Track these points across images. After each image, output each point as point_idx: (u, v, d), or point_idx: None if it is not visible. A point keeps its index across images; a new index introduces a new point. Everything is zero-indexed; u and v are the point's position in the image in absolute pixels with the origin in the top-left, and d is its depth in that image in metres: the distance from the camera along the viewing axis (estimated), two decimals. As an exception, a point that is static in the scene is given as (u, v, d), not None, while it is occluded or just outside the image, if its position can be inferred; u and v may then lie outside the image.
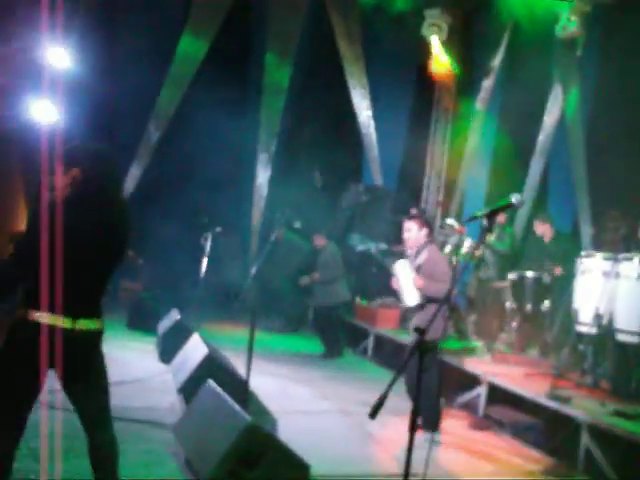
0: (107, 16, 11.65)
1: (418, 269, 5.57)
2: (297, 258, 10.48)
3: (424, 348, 2.71)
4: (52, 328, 2.92)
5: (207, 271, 8.48)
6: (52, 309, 2.91)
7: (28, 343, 2.90)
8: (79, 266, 3.00)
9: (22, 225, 13.82)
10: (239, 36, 13.03)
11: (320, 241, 9.24)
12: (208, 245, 8.47)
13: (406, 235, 5.70)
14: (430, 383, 5.33)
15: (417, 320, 5.60)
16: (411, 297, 5.59)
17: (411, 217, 5.82)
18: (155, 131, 11.48)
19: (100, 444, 3.30)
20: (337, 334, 9.11)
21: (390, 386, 2.66)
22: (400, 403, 5.92)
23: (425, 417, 5.43)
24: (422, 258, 5.61)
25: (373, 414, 2.58)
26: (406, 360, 2.90)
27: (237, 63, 13.28)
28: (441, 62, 11.53)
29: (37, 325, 2.90)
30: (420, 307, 5.58)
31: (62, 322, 2.95)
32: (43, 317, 2.91)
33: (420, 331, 2.71)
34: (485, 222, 2.90)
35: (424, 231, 5.67)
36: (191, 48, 11.68)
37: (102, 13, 11.45)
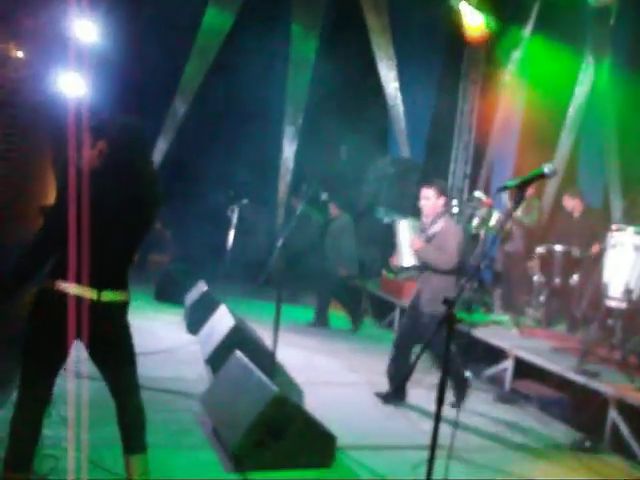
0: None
1: (430, 238, 5.54)
2: (309, 230, 10.42)
3: (453, 321, 2.69)
4: (78, 299, 2.95)
5: (234, 243, 8.51)
6: (78, 280, 2.94)
7: (54, 312, 2.94)
8: (105, 238, 3.01)
9: (52, 198, 13.95)
10: (264, 8, 12.92)
11: (333, 210, 9.24)
12: (235, 217, 8.48)
13: (423, 202, 5.66)
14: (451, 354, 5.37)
15: (422, 288, 5.59)
16: (406, 258, 5.60)
17: (429, 184, 5.74)
18: (181, 105, 11.46)
19: (128, 411, 3.38)
20: (327, 305, 9.05)
21: (416, 360, 2.66)
22: (427, 376, 5.97)
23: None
24: (436, 228, 5.57)
25: (400, 387, 2.57)
26: (434, 333, 2.88)
27: (262, 35, 13.18)
28: (474, 25, 11.36)
29: (63, 295, 2.93)
30: (416, 270, 5.61)
31: (88, 293, 2.98)
32: (69, 288, 2.94)
33: (448, 303, 2.69)
34: (515, 193, 2.86)
35: (441, 200, 5.62)
36: (216, 20, 11.61)
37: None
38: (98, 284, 3.00)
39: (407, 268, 5.67)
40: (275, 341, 4.92)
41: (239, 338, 5.74)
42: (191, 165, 11.41)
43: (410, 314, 5.73)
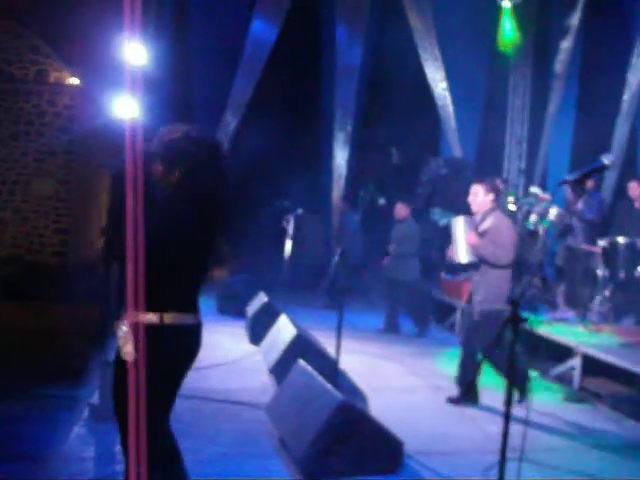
0: (177, 8, 11.88)
1: (482, 235, 5.48)
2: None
3: (518, 320, 2.65)
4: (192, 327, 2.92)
5: (291, 253, 8.58)
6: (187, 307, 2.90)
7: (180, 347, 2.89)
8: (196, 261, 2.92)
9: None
10: (309, 16, 13.02)
11: (403, 212, 8.86)
12: (290, 227, 8.56)
13: (471, 198, 5.65)
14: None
15: (477, 286, 5.55)
16: (462, 254, 5.55)
17: (478, 181, 5.71)
18: (232, 119, 11.66)
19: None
20: (396, 311, 8.95)
21: (482, 361, 2.63)
22: (489, 378, 5.88)
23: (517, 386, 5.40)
24: (487, 224, 5.52)
25: (467, 391, 2.55)
26: (498, 334, 2.85)
27: (308, 45, 13.28)
28: (508, 34, 11.27)
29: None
30: (473, 267, 5.56)
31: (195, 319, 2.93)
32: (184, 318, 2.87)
33: (515, 303, 2.65)
34: (575, 187, 2.81)
35: (490, 196, 5.58)
36: (261, 33, 11.77)
37: (172, 6, 11.70)
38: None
39: (465, 264, 5.64)
40: (338, 348, 4.93)
41: (301, 347, 5.79)
42: (245, 178, 11.57)
43: (469, 314, 5.71)
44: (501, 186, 9.89)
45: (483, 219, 5.56)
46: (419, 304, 9.03)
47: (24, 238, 12.85)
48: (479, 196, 5.58)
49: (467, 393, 2.28)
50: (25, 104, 12.75)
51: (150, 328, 2.73)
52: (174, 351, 2.85)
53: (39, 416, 5.41)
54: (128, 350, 2.75)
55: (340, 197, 12.34)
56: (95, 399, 4.84)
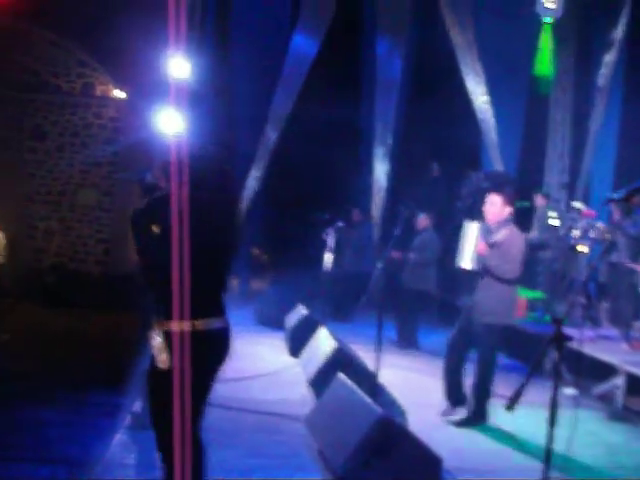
0: (220, 25, 12.08)
1: (493, 246, 5.41)
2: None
3: (562, 339, 2.63)
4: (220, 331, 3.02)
5: (331, 265, 8.60)
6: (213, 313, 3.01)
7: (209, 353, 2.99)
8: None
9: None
10: (349, 30, 13.12)
11: (424, 222, 8.90)
12: (331, 240, 8.59)
13: (487, 207, 5.54)
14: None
15: (479, 297, 5.46)
16: (467, 260, 5.47)
17: (499, 191, 5.63)
18: (272, 133, 11.76)
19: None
20: (414, 324, 8.82)
21: (528, 378, 2.61)
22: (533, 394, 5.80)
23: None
24: (500, 236, 5.42)
25: (510, 406, 2.54)
26: (542, 351, 2.83)
27: (349, 57, 13.37)
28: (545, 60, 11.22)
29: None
30: (477, 280, 5.46)
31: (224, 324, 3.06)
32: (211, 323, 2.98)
33: (558, 321, 2.63)
34: (621, 204, 2.79)
35: (508, 209, 5.49)
36: (302, 47, 11.88)
37: (215, 22, 11.90)
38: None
39: (467, 271, 5.56)
40: (378, 362, 4.94)
41: (341, 360, 5.80)
42: (285, 190, 11.67)
43: (463, 319, 5.62)
44: (544, 201, 9.81)
45: (497, 230, 5.47)
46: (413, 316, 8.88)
47: (69, 247, 13.14)
48: (496, 206, 5.47)
49: (510, 408, 2.27)
50: (72, 116, 13.06)
51: (183, 335, 2.80)
52: (205, 356, 2.92)
53: (82, 422, 5.53)
54: (163, 359, 2.86)
55: (380, 211, 12.36)
56: (137, 407, 4.91)
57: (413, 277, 8.74)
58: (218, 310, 3.07)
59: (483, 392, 5.46)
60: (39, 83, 13.01)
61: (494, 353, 5.50)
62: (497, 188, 5.77)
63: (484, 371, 5.44)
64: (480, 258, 5.40)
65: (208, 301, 3.03)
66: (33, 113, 13.05)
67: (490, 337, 5.39)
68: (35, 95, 12.95)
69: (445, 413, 5.67)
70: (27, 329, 9.85)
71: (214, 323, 2.99)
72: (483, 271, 5.42)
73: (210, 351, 3.00)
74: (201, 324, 2.91)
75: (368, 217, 10.29)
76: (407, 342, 8.73)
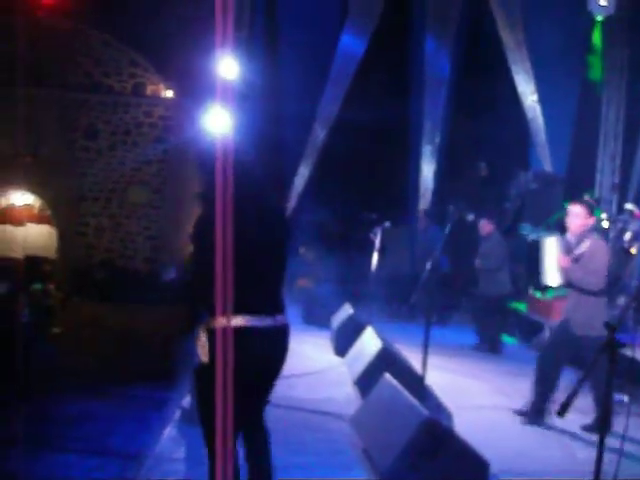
0: (268, 25, 12.17)
1: (578, 258, 5.32)
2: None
3: (615, 346, 2.59)
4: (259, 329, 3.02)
5: (377, 265, 8.59)
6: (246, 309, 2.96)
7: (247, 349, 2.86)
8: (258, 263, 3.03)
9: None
10: (397, 29, 13.06)
11: (487, 227, 8.81)
12: (377, 240, 8.58)
13: (570, 219, 5.45)
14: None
15: (572, 309, 5.39)
16: (552, 276, 5.41)
17: (579, 202, 5.53)
18: (321, 131, 11.81)
19: (258, 446, 3.44)
20: (497, 328, 8.78)
21: (580, 384, 2.58)
22: (581, 401, 5.70)
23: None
24: (583, 248, 5.33)
25: (562, 412, 2.51)
26: (595, 358, 2.79)
27: (397, 56, 13.32)
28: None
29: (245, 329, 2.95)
30: (565, 288, 5.42)
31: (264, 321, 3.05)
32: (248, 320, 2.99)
33: (611, 328, 2.59)
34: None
35: (590, 220, 5.41)
36: (350, 46, 11.89)
37: (264, 22, 11.99)
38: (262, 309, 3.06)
39: (553, 287, 5.52)
40: (424, 363, 4.92)
41: (387, 360, 5.80)
42: (333, 189, 11.69)
43: (559, 333, 5.54)
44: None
45: (579, 242, 5.38)
46: (497, 321, 8.82)
47: (118, 243, 13.40)
48: (580, 218, 5.39)
49: (562, 414, 2.24)
50: (124, 115, 13.32)
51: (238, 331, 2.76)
52: (244, 353, 2.74)
53: (131, 416, 5.64)
54: (204, 353, 2.93)
55: (424, 211, 12.28)
56: (186, 402, 4.99)
57: (486, 283, 8.72)
58: (265, 308, 3.07)
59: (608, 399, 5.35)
60: (92, 83, 13.30)
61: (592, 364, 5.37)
62: (578, 199, 5.67)
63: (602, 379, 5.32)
64: (565, 272, 5.35)
65: (263, 299, 3.07)
66: (86, 113, 13.35)
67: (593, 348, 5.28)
68: (88, 95, 13.25)
69: (519, 413, 5.60)
70: (77, 324, 10.09)
71: (255, 321, 2.99)
72: (568, 285, 5.40)
73: (264, 349, 3.03)
74: (240, 321, 2.92)
75: (433, 220, 10.25)
76: (490, 346, 8.69)
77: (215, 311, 2.44)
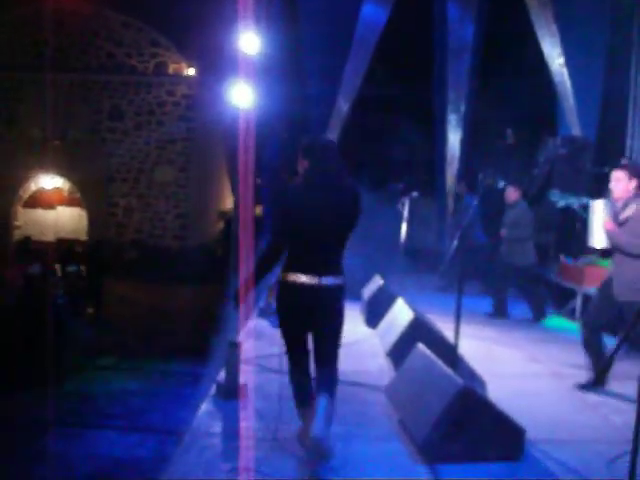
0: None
1: (623, 223, 5.26)
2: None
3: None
4: (305, 284, 3.84)
5: (407, 236, 8.56)
6: (304, 270, 3.84)
7: (292, 297, 3.90)
8: (318, 237, 3.86)
9: (228, 204, 14.92)
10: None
11: (513, 195, 8.62)
12: (406, 210, 8.53)
13: (613, 184, 5.40)
14: None
15: (615, 274, 5.34)
16: (597, 239, 5.36)
17: (621, 166, 5.46)
18: (344, 103, 11.73)
19: (321, 376, 4.01)
20: (538, 295, 8.73)
21: (616, 351, 2.55)
22: (622, 367, 5.66)
23: None
24: (629, 212, 5.27)
25: (600, 379, 2.49)
26: (633, 323, 2.76)
27: (420, 25, 13.14)
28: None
29: (295, 283, 3.86)
30: (606, 254, 5.37)
31: (311, 280, 3.83)
32: (299, 277, 3.85)
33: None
34: None
35: (634, 182, 5.31)
36: (372, 16, 11.74)
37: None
38: (318, 272, 3.84)
39: (599, 250, 5.47)
40: (457, 332, 4.90)
41: (419, 330, 5.80)
42: (359, 161, 11.63)
43: (601, 297, 5.50)
44: (627, 166, 9.42)
45: (625, 206, 5.31)
46: (535, 289, 8.77)
47: (147, 223, 13.53)
48: (622, 182, 5.31)
49: (600, 380, 2.22)
50: (147, 95, 13.38)
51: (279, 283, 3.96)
52: (289, 300, 3.92)
53: (166, 391, 5.74)
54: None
55: (456, 179, 12.17)
56: (221, 377, 5.06)
57: (511, 252, 8.55)
58: (338, 270, 3.93)
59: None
60: (114, 64, 13.35)
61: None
62: (620, 165, 5.59)
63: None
64: (610, 235, 5.31)
65: (331, 262, 3.91)
66: (110, 94, 13.44)
67: (630, 314, 5.25)
68: (111, 76, 13.31)
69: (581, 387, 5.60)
70: (111, 303, 10.26)
71: (332, 280, 3.89)
72: (614, 249, 5.34)
73: (294, 297, 3.91)
74: (326, 281, 3.85)
75: (472, 191, 10.15)
76: (496, 313, 8.69)
77: (300, 269, 3.82)
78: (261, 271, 3.99)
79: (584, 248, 8.93)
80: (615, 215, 5.37)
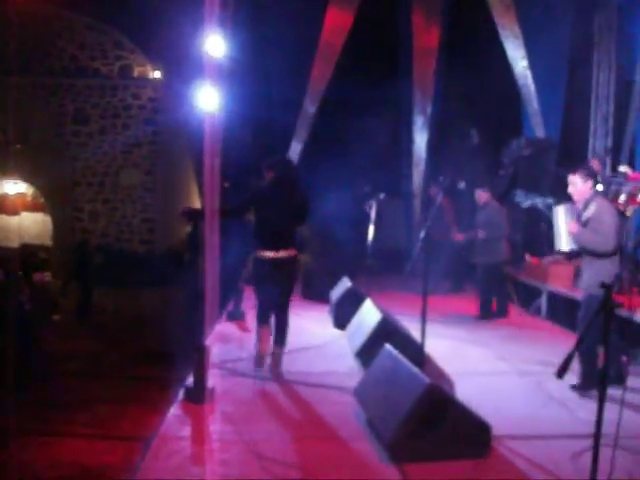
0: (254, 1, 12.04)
1: (586, 223, 5.41)
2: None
3: (612, 305, 2.61)
4: (269, 257, 5.64)
5: (374, 238, 8.60)
6: (268, 248, 5.63)
7: (263, 268, 5.69)
8: (278, 222, 5.59)
9: (195, 204, 14.83)
10: (383, 2, 12.93)
11: (483, 197, 8.76)
12: (373, 212, 8.57)
13: (571, 188, 5.60)
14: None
15: (584, 273, 5.52)
16: (564, 242, 5.53)
17: (574, 170, 5.64)
18: (311, 106, 11.75)
19: (279, 319, 5.76)
20: (502, 294, 8.83)
21: (577, 346, 2.60)
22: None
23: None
24: (589, 212, 5.44)
25: (561, 374, 2.54)
26: (591, 319, 2.81)
27: (384, 28, 13.21)
28: None
29: (263, 256, 5.70)
30: (574, 256, 5.59)
31: (273, 254, 5.62)
32: (265, 253, 5.66)
33: (607, 287, 2.61)
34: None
35: (589, 183, 5.50)
36: (337, 20, 11.78)
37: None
38: (277, 249, 5.64)
39: (566, 252, 5.62)
40: (423, 332, 4.95)
41: (387, 331, 5.84)
42: (326, 163, 11.65)
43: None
44: (599, 166, 9.58)
45: (585, 207, 5.50)
46: (500, 287, 8.85)
47: (114, 227, 13.39)
48: (577, 185, 5.53)
49: (561, 375, 2.28)
50: (112, 99, 13.24)
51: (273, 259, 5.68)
52: (260, 268, 5.73)
53: (135, 397, 5.67)
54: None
55: (422, 180, 12.27)
56: (189, 381, 5.03)
57: (485, 252, 8.63)
58: (281, 247, 5.66)
59: (590, 358, 5.42)
60: (78, 68, 13.19)
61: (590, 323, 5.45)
62: (573, 169, 5.76)
63: (591, 340, 5.40)
64: (575, 238, 5.46)
65: (285, 242, 5.68)
66: (74, 97, 13.27)
67: (589, 308, 5.37)
68: (75, 80, 13.15)
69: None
70: (77, 309, 10.11)
71: (288, 253, 5.70)
72: (580, 249, 5.50)
73: (287, 268, 5.72)
74: (282, 253, 5.66)
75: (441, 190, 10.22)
76: (485, 314, 8.69)
77: (267, 246, 5.65)
78: (223, 214, 5.43)
79: (550, 247, 9.06)
80: (578, 217, 5.51)
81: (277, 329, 5.73)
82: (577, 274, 8.68)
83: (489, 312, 8.74)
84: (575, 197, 5.59)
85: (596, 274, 5.33)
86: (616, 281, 2.66)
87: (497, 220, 8.66)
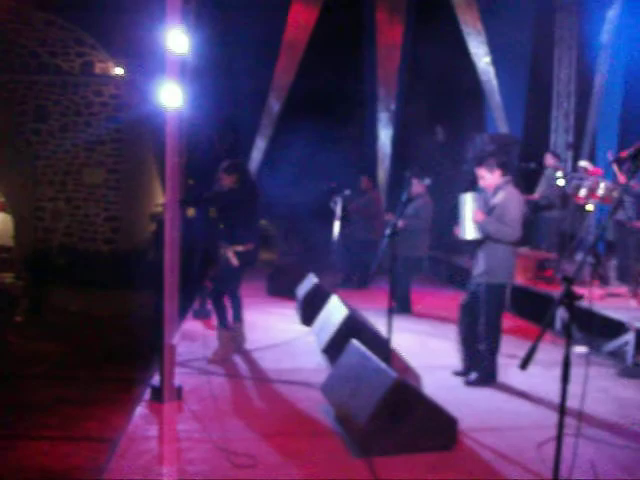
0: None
1: (492, 209, 5.48)
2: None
3: (573, 298, 2.66)
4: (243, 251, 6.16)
5: (339, 234, 8.61)
6: (230, 241, 6.15)
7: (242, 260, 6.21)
8: (242, 218, 6.15)
9: (159, 206, 14.70)
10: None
11: (418, 188, 8.43)
12: (338, 209, 8.58)
13: (480, 182, 5.70)
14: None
15: (481, 261, 5.55)
16: (468, 230, 5.53)
17: (479, 165, 5.71)
18: (275, 103, 11.73)
19: (235, 300, 6.42)
20: (406, 289, 8.65)
21: (539, 338, 2.65)
22: (545, 353, 5.85)
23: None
24: (497, 199, 5.51)
25: (524, 365, 2.58)
26: (553, 310, 2.86)
27: (349, 25, 13.26)
28: None
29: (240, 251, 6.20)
30: (478, 243, 5.55)
31: (234, 248, 6.13)
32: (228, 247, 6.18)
33: (569, 281, 2.65)
34: (629, 162, 2.79)
35: (496, 173, 5.58)
36: (301, 16, 11.77)
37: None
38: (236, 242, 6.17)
39: (470, 241, 5.63)
40: (389, 327, 4.98)
41: (353, 327, 5.87)
42: (290, 160, 11.66)
43: (474, 282, 5.67)
44: (553, 160, 9.74)
45: (494, 194, 5.58)
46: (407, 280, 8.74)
47: (77, 227, 13.20)
48: (485, 178, 5.62)
49: (524, 367, 2.31)
50: (73, 96, 13.03)
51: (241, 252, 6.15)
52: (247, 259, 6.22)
53: (101, 398, 5.61)
54: (234, 262, 6.13)
55: (386, 176, 12.33)
56: (155, 380, 5.00)
57: (404, 244, 8.49)
58: (255, 240, 6.28)
59: (491, 351, 5.54)
60: (39, 64, 12.96)
61: (497, 313, 5.55)
62: (479, 162, 5.84)
63: (490, 331, 5.51)
64: (479, 226, 5.45)
65: (249, 236, 6.23)
66: (35, 95, 13.03)
67: (491, 297, 5.46)
68: (36, 77, 12.91)
69: (459, 374, 5.76)
70: (40, 311, 9.95)
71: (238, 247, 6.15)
72: (485, 238, 5.50)
73: (249, 257, 6.23)
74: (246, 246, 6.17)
75: (377, 184, 10.23)
76: (400, 307, 8.39)
77: (237, 241, 6.14)
78: (199, 202, 6.85)
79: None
80: (485, 203, 5.56)
81: (236, 307, 6.44)
82: (540, 267, 8.85)
83: (406, 304, 8.59)
84: (487, 188, 5.65)
85: (499, 262, 5.43)
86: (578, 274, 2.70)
87: (421, 213, 8.45)
